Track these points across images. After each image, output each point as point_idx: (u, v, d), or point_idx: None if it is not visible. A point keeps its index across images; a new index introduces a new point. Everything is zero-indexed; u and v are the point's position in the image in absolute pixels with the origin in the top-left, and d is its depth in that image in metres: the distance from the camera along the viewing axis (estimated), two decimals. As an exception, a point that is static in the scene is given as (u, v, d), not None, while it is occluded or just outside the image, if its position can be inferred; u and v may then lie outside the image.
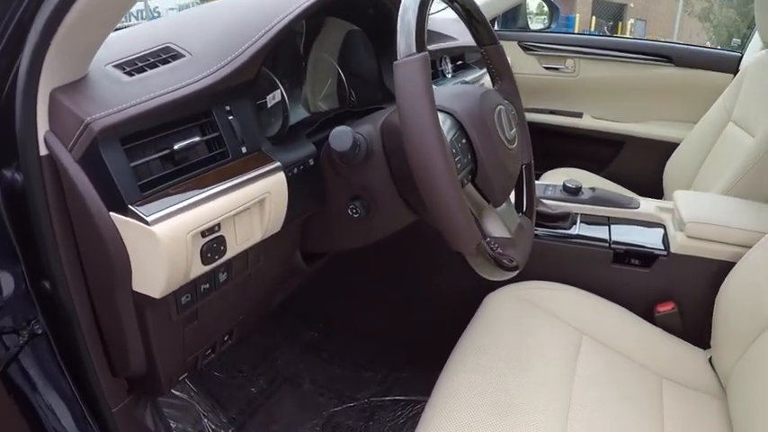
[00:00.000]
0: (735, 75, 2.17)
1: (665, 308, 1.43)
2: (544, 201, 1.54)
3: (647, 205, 1.57)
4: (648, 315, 1.43)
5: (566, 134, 2.40)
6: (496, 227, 0.94)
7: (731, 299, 1.29)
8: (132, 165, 0.73)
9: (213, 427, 1.57)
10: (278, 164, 0.89)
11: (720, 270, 1.35)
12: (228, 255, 0.83)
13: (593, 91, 2.60)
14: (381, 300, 1.76)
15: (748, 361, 1.20)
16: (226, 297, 0.94)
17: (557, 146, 2.44)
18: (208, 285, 0.86)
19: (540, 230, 1.49)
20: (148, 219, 0.70)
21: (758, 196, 1.63)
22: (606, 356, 1.27)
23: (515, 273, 0.98)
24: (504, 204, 1.06)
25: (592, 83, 2.60)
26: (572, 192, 1.58)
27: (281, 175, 0.89)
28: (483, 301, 1.37)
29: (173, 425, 1.51)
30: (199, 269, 0.79)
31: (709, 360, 1.35)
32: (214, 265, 0.81)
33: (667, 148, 2.30)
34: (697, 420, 1.18)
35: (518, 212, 1.18)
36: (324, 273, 1.82)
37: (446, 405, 1.08)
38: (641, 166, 2.35)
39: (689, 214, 1.42)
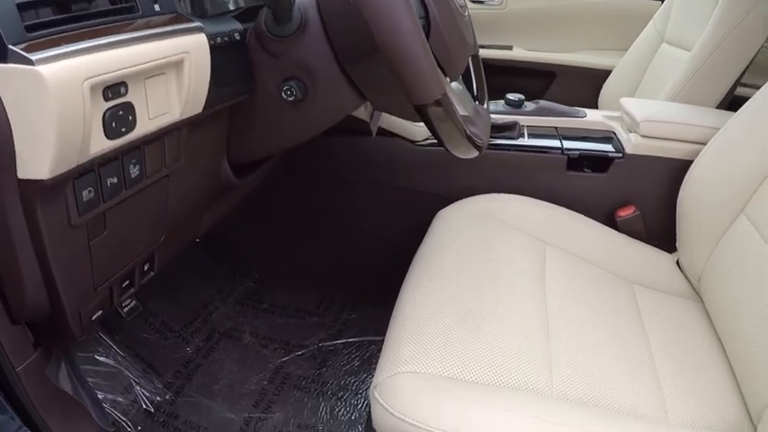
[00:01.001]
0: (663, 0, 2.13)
1: (627, 212, 1.34)
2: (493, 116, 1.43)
3: (595, 114, 1.49)
4: (610, 221, 1.35)
5: (496, 67, 2.30)
6: (456, 102, 0.81)
7: (693, 196, 1.21)
8: (16, 1, 0.56)
9: (147, 394, 1.39)
10: (199, 24, 0.73)
11: (679, 169, 1.28)
12: (139, 131, 0.66)
13: (523, 23, 2.52)
14: (322, 239, 1.62)
15: (719, 258, 1.12)
16: (141, 204, 0.78)
17: (487, 80, 2.33)
18: (116, 180, 0.69)
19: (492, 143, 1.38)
20: (33, 58, 0.53)
21: (699, 105, 1.59)
22: (573, 265, 1.17)
23: (479, 153, 0.86)
24: (459, 86, 0.94)
25: (521, 15, 2.52)
26: (515, 105, 1.48)
27: (202, 37, 0.73)
28: (435, 218, 1.24)
29: (100, 396, 1.33)
30: (102, 143, 0.62)
31: (677, 263, 1.27)
32: (121, 141, 0.64)
33: (600, 75, 2.25)
34: (677, 324, 1.11)
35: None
36: (257, 216, 1.68)
37: (411, 319, 0.95)
38: (574, 95, 2.27)
39: (641, 114, 1.34)
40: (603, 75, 2.22)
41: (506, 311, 0.98)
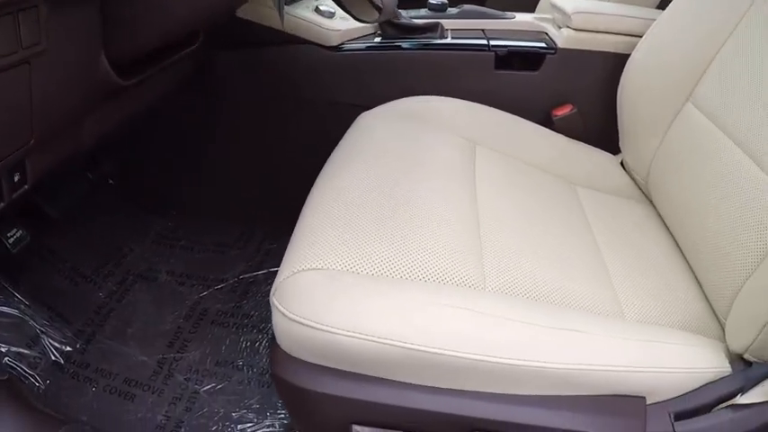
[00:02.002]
0: None
1: (563, 111, 1.23)
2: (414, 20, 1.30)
3: (525, 16, 1.37)
4: (548, 122, 1.24)
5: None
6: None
7: (634, 90, 1.11)
8: None
9: (56, 344, 1.24)
10: None
11: (616, 63, 1.17)
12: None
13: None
14: (241, 167, 1.47)
15: (666, 152, 1.03)
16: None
17: None
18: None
19: (407, 42, 1.25)
20: None
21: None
22: (506, 163, 1.06)
23: (379, 15, 0.72)
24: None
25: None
26: (438, 8, 1.35)
27: None
28: (354, 122, 1.10)
29: (2, 348, 1.17)
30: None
31: (622, 164, 1.16)
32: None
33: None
34: (625, 224, 1.02)
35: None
36: (170, 149, 1.52)
37: (318, 215, 0.82)
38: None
39: (572, 7, 1.22)
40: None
41: (430, 205, 0.86)
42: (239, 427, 1.08)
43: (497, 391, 0.69)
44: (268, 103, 1.36)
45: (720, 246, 0.82)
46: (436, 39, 1.25)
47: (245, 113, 1.40)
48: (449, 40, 1.25)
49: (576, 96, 1.24)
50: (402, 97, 1.18)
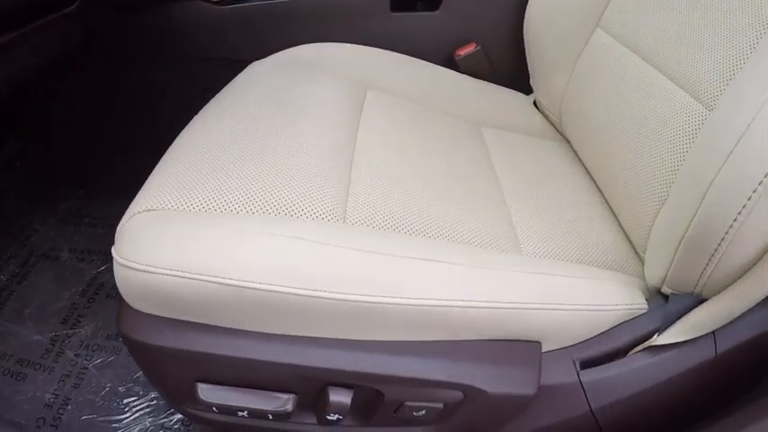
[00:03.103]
0: None
1: (466, 50, 1.14)
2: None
3: None
4: (452, 64, 1.15)
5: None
6: None
7: (540, 20, 1.02)
8: None
9: (-53, 335, 1.14)
10: None
11: None
12: None
13: None
14: (144, 138, 1.37)
15: (577, 83, 0.95)
16: None
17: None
18: None
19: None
20: None
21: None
22: (400, 106, 0.96)
23: None
24: None
25: None
26: None
27: None
28: (244, 70, 1.00)
29: None
30: None
31: (534, 104, 1.08)
32: None
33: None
34: (535, 163, 0.93)
35: None
36: (73, 126, 1.42)
37: (170, 161, 0.73)
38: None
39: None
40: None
41: (298, 146, 0.75)
42: (125, 400, 0.99)
43: (354, 338, 0.59)
44: (164, 66, 1.27)
45: (636, 172, 0.74)
46: (333, -16, 1.16)
47: (143, 81, 1.31)
48: None
49: (481, 34, 1.15)
50: (290, 45, 1.09)
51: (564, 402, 0.61)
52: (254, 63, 1.03)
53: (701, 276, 0.57)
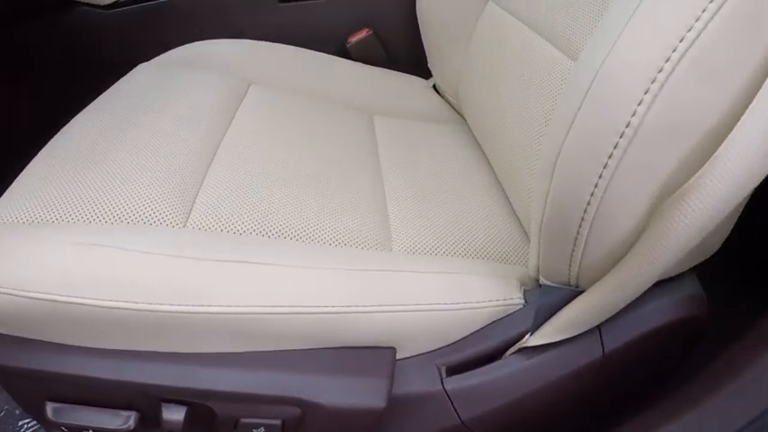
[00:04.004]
0: None
1: (358, 36, 1.06)
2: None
3: None
4: (346, 53, 1.06)
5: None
6: None
7: (432, 0, 0.94)
8: None
9: None
10: None
11: None
12: None
13: None
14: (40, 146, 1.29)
15: (472, 60, 0.87)
16: None
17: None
18: None
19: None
20: None
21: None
22: (280, 99, 0.88)
23: None
24: None
25: None
26: None
27: None
28: (128, 73, 0.93)
29: None
30: None
31: (434, 88, 1.00)
32: None
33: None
34: (423, 151, 0.84)
35: None
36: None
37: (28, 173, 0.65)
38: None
39: None
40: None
41: (151, 149, 0.68)
42: (20, 422, 0.93)
43: (179, 350, 0.52)
44: (56, 74, 1.18)
45: (522, 148, 0.67)
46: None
47: (35, 90, 1.22)
48: None
49: (373, 19, 1.06)
50: (180, 43, 1.01)
51: (430, 414, 0.53)
52: (139, 66, 0.95)
53: (570, 263, 0.48)
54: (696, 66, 0.36)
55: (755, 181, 0.39)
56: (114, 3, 1.09)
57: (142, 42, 1.10)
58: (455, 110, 0.97)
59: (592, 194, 0.41)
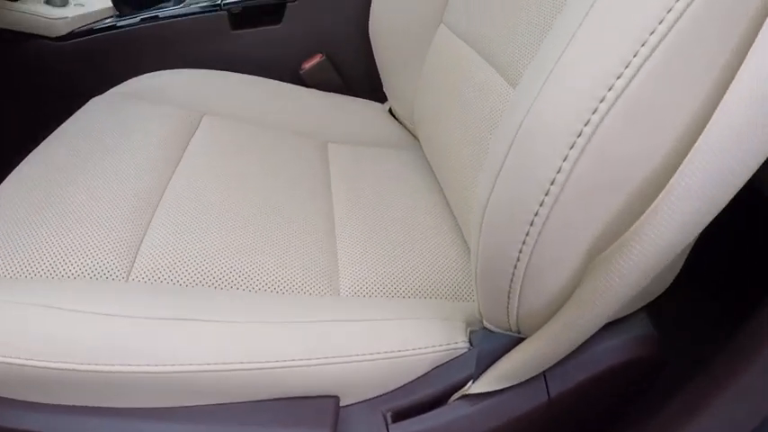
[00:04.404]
0: None
1: (311, 62, 1.06)
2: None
3: None
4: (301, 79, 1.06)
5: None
6: None
7: (385, 21, 0.94)
8: None
9: None
10: None
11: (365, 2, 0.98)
12: None
13: None
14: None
15: (425, 85, 0.86)
16: None
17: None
18: None
19: (138, 17, 1.07)
20: None
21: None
22: (235, 130, 0.87)
23: None
24: None
25: None
26: None
27: None
28: (82, 108, 0.92)
29: None
30: None
31: (390, 112, 1.00)
32: None
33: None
34: (376, 180, 0.83)
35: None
36: None
37: None
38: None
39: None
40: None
41: (100, 190, 0.67)
42: None
43: (119, 405, 0.50)
44: (11, 107, 1.17)
45: (475, 180, 0.66)
46: (170, 8, 1.07)
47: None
48: (178, 8, 1.06)
49: (327, 45, 1.06)
50: (135, 73, 1.01)
51: (376, 459, 0.54)
52: (92, 100, 0.95)
53: (507, 313, 0.47)
54: (627, 115, 0.35)
55: (703, 224, 0.37)
56: (68, 34, 1.08)
57: (96, 74, 1.09)
58: (411, 133, 0.98)
59: (520, 251, 0.41)
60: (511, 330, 0.50)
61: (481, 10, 0.74)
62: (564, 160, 0.36)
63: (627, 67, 0.34)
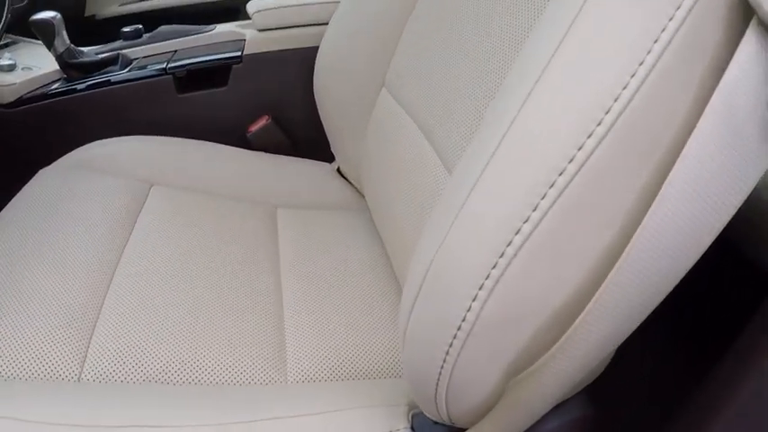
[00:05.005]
0: None
1: (258, 125, 1.07)
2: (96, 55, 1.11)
3: (226, 26, 1.18)
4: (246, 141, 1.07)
5: (176, 14, 1.94)
6: None
7: (330, 85, 0.95)
8: None
9: None
10: None
11: (310, 59, 1.00)
12: None
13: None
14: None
15: (369, 149, 0.88)
16: None
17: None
18: None
19: (86, 83, 1.07)
20: None
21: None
22: (182, 202, 0.88)
23: None
24: None
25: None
26: (131, 36, 1.15)
27: None
28: (30, 181, 0.92)
29: None
30: None
31: (339, 171, 1.01)
32: None
33: None
34: (324, 247, 0.84)
35: None
36: None
37: None
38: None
39: (254, 5, 1.07)
40: None
41: (44, 282, 0.68)
42: None
43: None
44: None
45: (409, 248, 0.68)
46: (116, 72, 1.08)
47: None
48: (125, 73, 1.06)
49: (274, 106, 1.07)
50: (84, 141, 1.01)
51: None
52: (40, 172, 0.94)
53: (438, 411, 0.48)
54: (537, 254, 0.36)
55: (625, 334, 0.39)
56: (16, 101, 1.08)
57: (44, 142, 1.08)
58: (360, 193, 0.99)
59: (441, 368, 0.42)
60: (444, 423, 0.51)
61: (419, 80, 0.76)
62: (473, 300, 0.38)
63: (534, 210, 0.35)
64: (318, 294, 0.75)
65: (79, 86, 1.06)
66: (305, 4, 1.05)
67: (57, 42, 1.04)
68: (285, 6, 1.05)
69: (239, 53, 1.06)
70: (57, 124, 1.07)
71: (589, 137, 0.34)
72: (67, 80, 1.10)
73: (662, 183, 0.33)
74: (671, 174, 0.32)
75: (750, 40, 0.31)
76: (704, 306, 0.69)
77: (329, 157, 1.02)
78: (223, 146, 1.00)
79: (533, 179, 0.35)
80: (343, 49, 0.93)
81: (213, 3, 1.96)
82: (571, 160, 0.34)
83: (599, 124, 0.34)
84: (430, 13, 0.79)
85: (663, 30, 0.32)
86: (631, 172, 0.35)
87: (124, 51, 1.10)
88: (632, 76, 0.33)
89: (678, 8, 0.32)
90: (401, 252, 0.73)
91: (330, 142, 1.00)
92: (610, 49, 0.34)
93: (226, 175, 0.95)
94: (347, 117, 0.93)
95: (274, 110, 1.07)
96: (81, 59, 1.07)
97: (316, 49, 0.98)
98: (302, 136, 1.09)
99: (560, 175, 0.34)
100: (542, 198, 0.35)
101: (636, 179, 0.35)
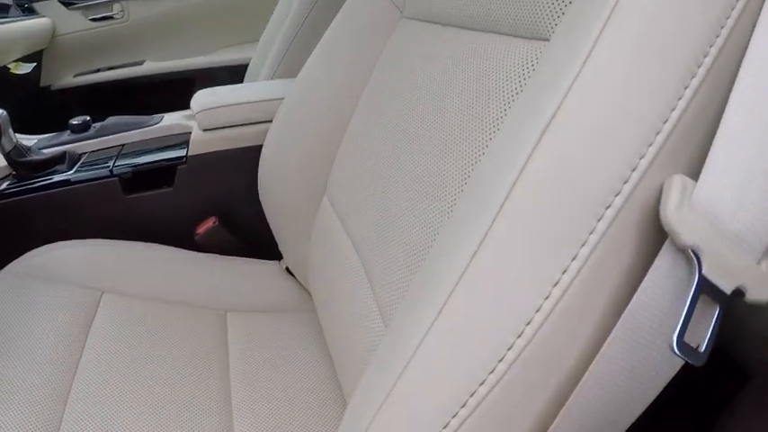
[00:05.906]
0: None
1: (205, 226, 1.09)
2: (44, 151, 1.12)
3: (173, 117, 1.19)
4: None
5: (130, 86, 1.99)
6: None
7: (274, 187, 0.97)
8: None
9: None
10: None
11: (254, 159, 1.02)
12: None
13: (152, 33, 2.19)
14: None
15: (313, 255, 0.89)
16: None
17: (125, 101, 2.02)
18: None
19: (33, 183, 1.06)
20: None
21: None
22: (133, 310, 0.88)
23: None
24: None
25: (147, 24, 2.19)
26: (80, 129, 1.16)
27: None
28: None
29: None
30: None
31: (288, 270, 1.03)
32: None
33: (240, 71, 1.98)
34: (274, 352, 0.86)
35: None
36: None
37: None
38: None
39: (198, 103, 1.09)
40: (243, 69, 1.95)
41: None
42: None
43: None
44: None
45: (348, 350, 0.70)
46: (64, 173, 1.08)
47: None
48: (72, 174, 1.06)
49: (221, 206, 1.09)
50: (32, 246, 1.00)
51: None
52: None
53: None
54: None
55: None
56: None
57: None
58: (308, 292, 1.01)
59: None
60: None
61: (355, 193, 0.78)
62: None
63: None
64: (266, 398, 0.77)
65: (28, 187, 1.05)
66: (248, 102, 1.07)
67: (3, 141, 1.03)
68: (227, 105, 1.06)
69: (184, 153, 1.07)
70: (5, 227, 1.06)
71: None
72: (16, 177, 1.09)
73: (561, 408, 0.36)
74: (570, 399, 0.35)
75: (661, 265, 0.33)
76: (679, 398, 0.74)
77: (278, 254, 1.03)
78: (172, 248, 1.01)
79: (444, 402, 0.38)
80: (284, 153, 0.95)
81: (166, 73, 2.01)
82: (492, 372, 0.37)
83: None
84: (367, 119, 0.81)
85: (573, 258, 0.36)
86: (530, 399, 0.37)
87: (72, 146, 1.11)
88: (537, 310, 0.36)
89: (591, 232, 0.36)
90: (347, 371, 0.74)
91: (278, 243, 1.01)
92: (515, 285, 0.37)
93: (175, 279, 0.96)
94: (291, 223, 0.94)
95: (221, 209, 1.09)
96: (29, 158, 1.06)
97: (260, 147, 1.00)
98: (251, 235, 1.09)
99: (481, 385, 0.37)
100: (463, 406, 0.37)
101: (534, 405, 0.37)
